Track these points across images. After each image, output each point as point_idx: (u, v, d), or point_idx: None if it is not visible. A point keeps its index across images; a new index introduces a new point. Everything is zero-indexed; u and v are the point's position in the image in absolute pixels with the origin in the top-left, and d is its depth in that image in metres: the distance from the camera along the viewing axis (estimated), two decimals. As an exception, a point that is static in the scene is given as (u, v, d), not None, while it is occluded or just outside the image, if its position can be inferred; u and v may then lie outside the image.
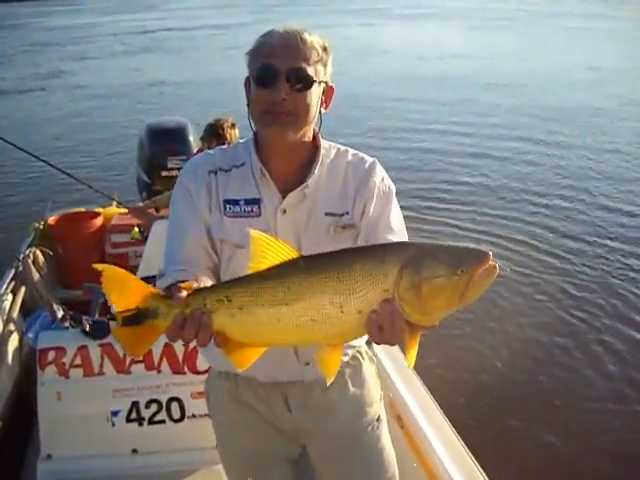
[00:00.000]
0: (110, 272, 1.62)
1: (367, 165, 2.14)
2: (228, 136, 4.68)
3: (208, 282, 1.99)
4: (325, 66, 2.02)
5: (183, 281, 1.86)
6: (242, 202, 2.08)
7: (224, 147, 2.29)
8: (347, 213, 2.09)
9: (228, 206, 2.08)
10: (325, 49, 2.00)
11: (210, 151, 2.27)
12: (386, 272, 1.46)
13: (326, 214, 2.08)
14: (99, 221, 6.36)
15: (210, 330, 1.58)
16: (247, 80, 2.05)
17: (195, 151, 5.72)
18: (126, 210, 6.05)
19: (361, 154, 2.19)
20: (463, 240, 8.46)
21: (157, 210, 5.44)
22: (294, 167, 2.10)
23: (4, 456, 4.25)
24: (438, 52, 26.17)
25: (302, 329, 1.51)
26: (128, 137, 10.99)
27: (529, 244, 8.49)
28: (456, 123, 15.00)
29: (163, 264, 2.09)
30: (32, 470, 3.64)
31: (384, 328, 1.50)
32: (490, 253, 1.49)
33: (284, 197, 2.07)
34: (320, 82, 2.00)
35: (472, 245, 1.55)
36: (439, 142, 13.55)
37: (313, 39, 1.97)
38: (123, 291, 1.61)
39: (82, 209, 6.60)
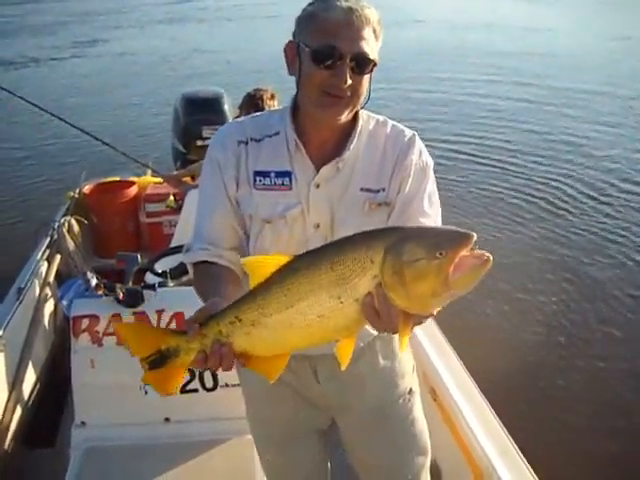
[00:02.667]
0: (123, 328, 1.73)
1: (406, 139, 2.07)
2: (267, 107, 4.60)
3: (233, 257, 2.04)
4: (378, 42, 1.94)
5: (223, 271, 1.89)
6: (273, 174, 2.02)
7: (256, 114, 2.21)
8: (383, 190, 2.03)
9: (258, 178, 2.03)
10: (379, 24, 1.93)
11: (241, 119, 2.20)
12: (372, 258, 1.45)
13: (362, 190, 2.02)
14: (134, 190, 6.39)
15: (232, 356, 1.59)
16: (294, 47, 1.96)
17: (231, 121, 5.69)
18: (161, 180, 6.06)
19: (401, 126, 2.12)
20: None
21: (193, 178, 5.43)
22: (331, 140, 2.04)
23: (39, 422, 4.31)
24: (475, 22, 25.87)
25: (312, 328, 1.52)
26: (164, 106, 10.99)
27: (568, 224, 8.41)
28: (491, 94, 14.99)
29: (191, 237, 2.11)
30: (66, 437, 3.68)
31: (380, 314, 1.47)
32: (473, 235, 1.42)
33: (318, 171, 2.01)
34: (374, 63, 1.93)
35: (460, 228, 1.47)
36: (476, 111, 13.59)
37: (372, 15, 1.89)
38: (141, 340, 1.65)
39: (117, 178, 6.63)
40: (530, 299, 6.50)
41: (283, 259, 1.53)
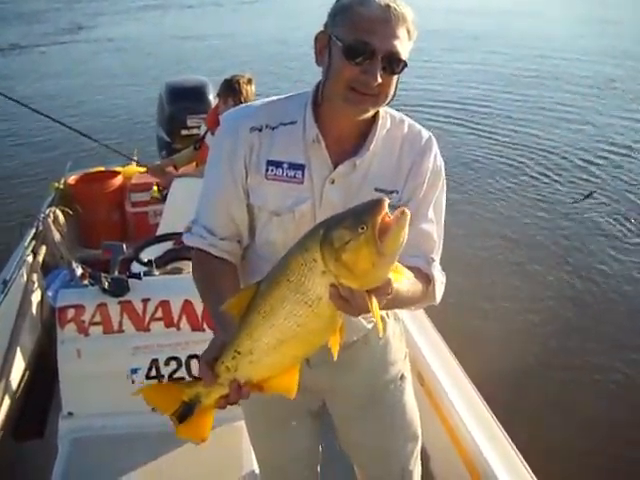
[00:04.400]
0: (146, 392, 1.80)
1: (423, 142, 2.05)
2: (244, 92, 4.63)
3: (228, 246, 2.06)
4: (410, 43, 1.88)
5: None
6: (285, 165, 1.97)
7: (272, 100, 2.12)
8: (396, 192, 2.00)
9: (270, 167, 1.98)
10: (414, 25, 1.86)
11: (254, 104, 2.12)
12: (314, 257, 1.50)
13: (376, 189, 1.98)
14: (119, 180, 6.37)
15: (248, 388, 1.65)
16: (325, 38, 1.90)
17: (212, 108, 5.67)
18: (146, 169, 6.04)
19: (418, 127, 2.09)
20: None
21: (176, 168, 5.42)
22: (349, 135, 1.99)
23: (27, 413, 4.30)
24: (468, 6, 25.95)
25: (300, 337, 1.58)
26: (149, 94, 10.99)
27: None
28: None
29: (194, 215, 2.10)
30: (54, 427, 3.67)
31: (348, 299, 1.49)
32: (385, 199, 1.46)
33: (335, 166, 1.97)
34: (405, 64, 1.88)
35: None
36: (471, 89, 14.01)
37: (408, 14, 1.83)
38: (164, 398, 1.77)
39: (102, 168, 6.60)
40: (527, 286, 6.53)
41: (252, 289, 1.60)
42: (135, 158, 6.37)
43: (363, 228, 1.44)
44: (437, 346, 3.65)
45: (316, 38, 1.93)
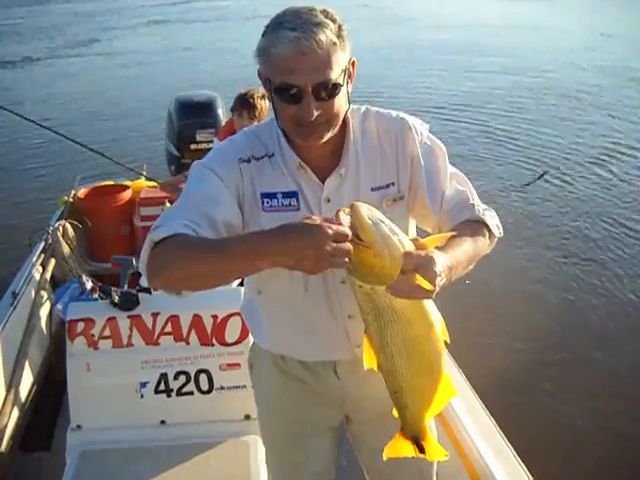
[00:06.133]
0: (391, 451, 1.98)
1: (397, 126, 2.03)
2: (258, 106, 4.62)
3: None
4: (344, 49, 1.80)
5: None
6: (280, 195, 1.97)
7: (246, 132, 2.10)
8: (392, 184, 2.01)
9: (265, 200, 1.97)
10: (340, 31, 1.79)
11: (234, 139, 2.10)
12: (358, 284, 1.65)
13: (372, 189, 1.99)
14: (128, 194, 6.38)
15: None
16: (263, 77, 1.88)
17: (224, 124, 5.70)
18: (155, 183, 6.07)
19: (384, 112, 2.07)
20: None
21: None
22: (327, 151, 1.98)
23: (36, 426, 4.32)
24: (461, 21, 26.12)
25: (414, 345, 1.73)
26: (158, 109, 11.03)
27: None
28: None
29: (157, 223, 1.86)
30: (62, 440, 3.67)
31: (398, 289, 1.59)
32: (339, 213, 1.61)
33: (324, 183, 1.97)
34: (346, 71, 1.83)
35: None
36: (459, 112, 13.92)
37: (327, 31, 1.75)
38: (403, 448, 1.97)
39: (111, 182, 6.63)
40: (529, 293, 6.56)
41: (365, 338, 1.76)
42: (144, 173, 6.41)
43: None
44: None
45: (258, 74, 1.92)
